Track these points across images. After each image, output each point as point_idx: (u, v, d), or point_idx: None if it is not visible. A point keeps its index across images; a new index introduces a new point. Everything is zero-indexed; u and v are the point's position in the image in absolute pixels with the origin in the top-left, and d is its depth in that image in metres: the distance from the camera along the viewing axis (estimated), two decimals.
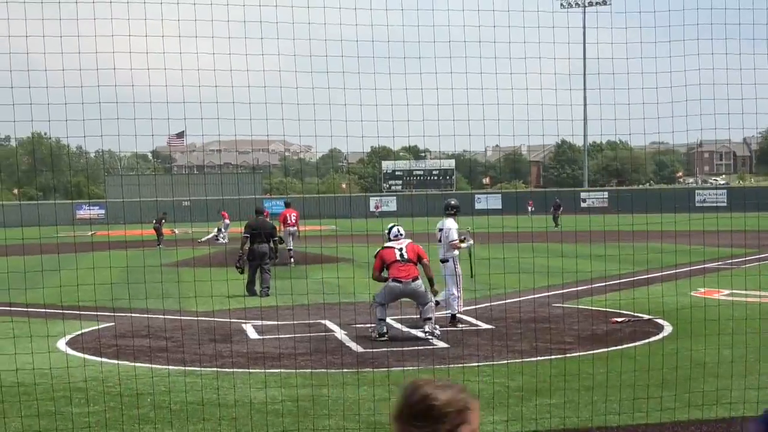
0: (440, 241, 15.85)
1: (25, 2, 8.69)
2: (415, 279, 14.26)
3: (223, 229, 45.82)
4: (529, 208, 78.78)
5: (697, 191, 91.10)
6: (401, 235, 14.98)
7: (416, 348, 13.06)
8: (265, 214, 23.01)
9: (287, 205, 33.80)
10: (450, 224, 15.79)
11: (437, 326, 14.35)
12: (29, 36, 8.92)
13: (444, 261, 15.70)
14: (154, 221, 43.65)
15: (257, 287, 20.61)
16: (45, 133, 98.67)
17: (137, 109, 9.21)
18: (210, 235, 45.34)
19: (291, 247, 31.12)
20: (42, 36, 8.93)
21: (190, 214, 55.06)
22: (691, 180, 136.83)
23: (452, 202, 16.26)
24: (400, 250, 14.52)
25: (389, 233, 15.08)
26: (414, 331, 14.53)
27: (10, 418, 9.16)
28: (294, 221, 31.98)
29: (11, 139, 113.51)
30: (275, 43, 9.43)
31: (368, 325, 14.90)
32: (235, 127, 9.65)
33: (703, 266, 24.05)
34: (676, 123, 10.48)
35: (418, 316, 14.64)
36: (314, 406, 9.39)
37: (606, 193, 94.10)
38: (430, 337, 13.99)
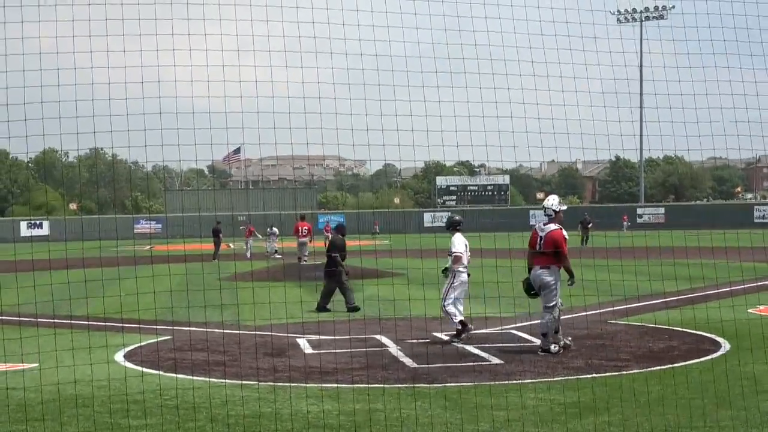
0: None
1: (90, 21, 8.90)
2: (543, 267, 13.84)
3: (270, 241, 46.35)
4: (625, 223, 77.69)
5: (755, 207, 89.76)
6: (551, 216, 14.14)
7: (471, 364, 13.01)
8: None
9: (302, 218, 37.40)
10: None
11: (548, 343, 13.82)
12: (93, 52, 9.12)
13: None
14: (213, 234, 44.00)
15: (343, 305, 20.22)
16: (102, 149, 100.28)
17: (194, 125, 9.36)
18: (270, 249, 45.70)
19: (306, 255, 36.69)
20: (106, 51, 9.12)
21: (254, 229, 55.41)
22: (750, 196, 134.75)
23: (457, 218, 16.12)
24: (541, 239, 13.95)
25: (544, 211, 14.33)
26: (468, 347, 14.46)
27: (69, 429, 9.31)
28: (305, 233, 37.40)
29: (70, 155, 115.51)
30: (329, 59, 9.53)
31: (422, 340, 14.90)
32: (295, 143, 9.75)
33: (762, 283, 23.70)
34: (734, 138, 10.43)
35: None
36: (369, 421, 9.41)
37: (663, 208, 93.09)
38: (542, 354, 13.65)
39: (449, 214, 16.71)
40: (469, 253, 15.68)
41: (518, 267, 14.15)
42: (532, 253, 14.10)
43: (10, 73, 8.81)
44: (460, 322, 15.09)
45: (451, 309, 15.10)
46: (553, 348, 13.78)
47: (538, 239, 14.04)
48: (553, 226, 14.02)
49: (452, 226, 15.82)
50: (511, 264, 13.16)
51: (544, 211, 14.33)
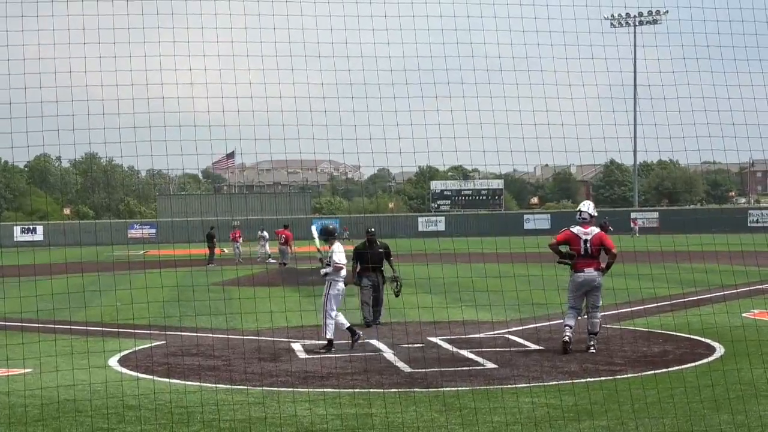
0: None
1: (84, 29, 8.97)
2: (597, 270, 14.18)
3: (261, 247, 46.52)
4: (634, 226, 77.29)
5: (749, 211, 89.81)
6: (587, 219, 14.40)
7: (465, 368, 13.00)
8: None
9: (285, 227, 39.37)
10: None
11: (595, 342, 14.24)
12: (86, 57, 9.16)
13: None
14: (206, 240, 43.97)
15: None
16: (97, 154, 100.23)
17: (187, 130, 9.38)
18: (263, 253, 45.69)
19: (286, 261, 38.98)
20: (96, 56, 9.14)
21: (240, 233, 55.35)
22: (743, 200, 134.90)
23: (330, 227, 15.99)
24: (586, 242, 14.18)
25: (579, 215, 14.52)
26: (463, 351, 14.44)
27: None
28: (284, 242, 39.83)
29: (62, 159, 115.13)
30: (326, 64, 9.55)
31: (417, 345, 14.88)
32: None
33: (756, 287, 23.73)
34: (728, 142, 10.45)
35: (586, 316, 14.41)
36: (362, 426, 9.40)
37: (657, 213, 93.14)
38: (594, 350, 14.01)
39: (325, 224, 16.48)
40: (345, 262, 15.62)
41: (512, 273, 14.15)
42: (580, 257, 14.23)
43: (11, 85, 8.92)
44: (348, 328, 15.02)
45: (341, 319, 15.03)
46: (593, 349, 14.11)
47: (582, 242, 14.22)
48: (595, 229, 14.37)
49: (330, 236, 15.65)
50: (514, 270, 13.16)
51: (579, 215, 14.55)
